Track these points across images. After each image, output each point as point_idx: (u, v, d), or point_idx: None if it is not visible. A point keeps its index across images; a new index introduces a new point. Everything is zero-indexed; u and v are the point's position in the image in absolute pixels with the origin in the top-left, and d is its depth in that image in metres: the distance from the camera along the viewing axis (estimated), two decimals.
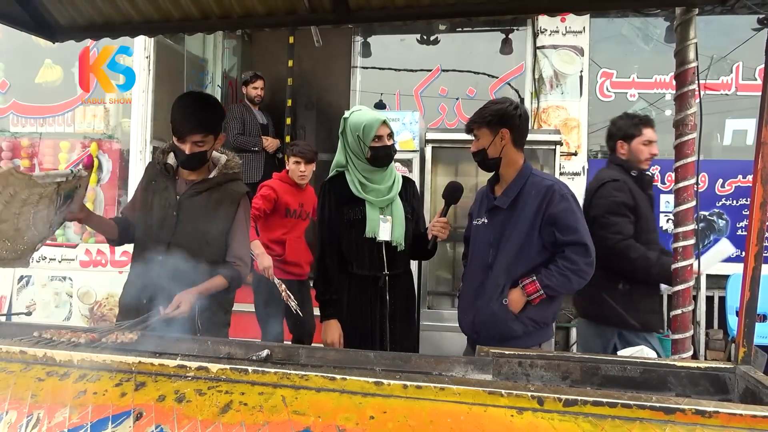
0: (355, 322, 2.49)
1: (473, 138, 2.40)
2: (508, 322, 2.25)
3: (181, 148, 2.14)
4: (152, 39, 4.80)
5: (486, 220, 2.41)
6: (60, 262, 4.91)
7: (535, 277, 2.23)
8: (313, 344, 3.70)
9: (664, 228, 4.90)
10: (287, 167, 3.87)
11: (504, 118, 2.30)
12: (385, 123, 2.49)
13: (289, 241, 3.80)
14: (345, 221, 2.51)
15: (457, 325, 2.50)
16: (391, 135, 2.52)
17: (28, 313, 4.84)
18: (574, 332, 4.96)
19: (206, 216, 2.23)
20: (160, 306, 2.03)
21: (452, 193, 2.50)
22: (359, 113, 2.53)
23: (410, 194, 2.67)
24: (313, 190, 3.93)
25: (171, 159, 2.28)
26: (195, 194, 2.23)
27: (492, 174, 2.46)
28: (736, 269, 4.64)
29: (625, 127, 2.98)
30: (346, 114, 2.57)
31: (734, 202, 4.87)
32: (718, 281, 4.76)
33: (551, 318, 2.34)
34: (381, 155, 2.48)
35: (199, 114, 2.14)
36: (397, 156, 2.65)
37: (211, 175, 2.29)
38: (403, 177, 2.69)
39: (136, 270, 2.25)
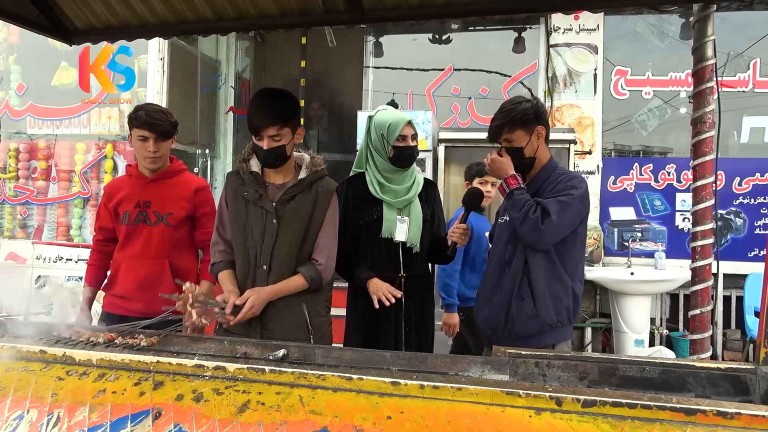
0: (371, 324, 2.47)
1: (501, 144, 2.30)
2: (524, 320, 2.20)
3: (259, 145, 2.11)
4: (166, 41, 4.84)
5: (507, 218, 2.35)
6: (77, 262, 4.95)
7: (523, 184, 2.20)
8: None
9: (680, 227, 4.86)
10: (129, 145, 2.73)
11: (537, 114, 2.25)
12: (410, 124, 2.50)
13: (117, 264, 2.63)
14: (361, 221, 2.51)
15: None
16: (414, 136, 2.52)
17: (47, 313, 4.89)
18: (588, 332, 4.93)
19: (306, 218, 2.19)
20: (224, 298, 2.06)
21: (471, 199, 2.49)
22: (385, 112, 2.54)
23: (431, 197, 2.65)
24: (201, 184, 2.75)
25: (255, 166, 2.23)
26: (290, 198, 2.18)
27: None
28: (754, 268, 4.59)
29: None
30: (371, 112, 2.58)
31: (752, 200, 4.80)
32: (735, 281, 4.71)
33: (566, 317, 2.25)
34: (404, 155, 2.48)
35: (271, 107, 2.09)
36: None
37: (301, 176, 2.24)
38: (425, 180, 2.67)
39: (246, 282, 2.18)
